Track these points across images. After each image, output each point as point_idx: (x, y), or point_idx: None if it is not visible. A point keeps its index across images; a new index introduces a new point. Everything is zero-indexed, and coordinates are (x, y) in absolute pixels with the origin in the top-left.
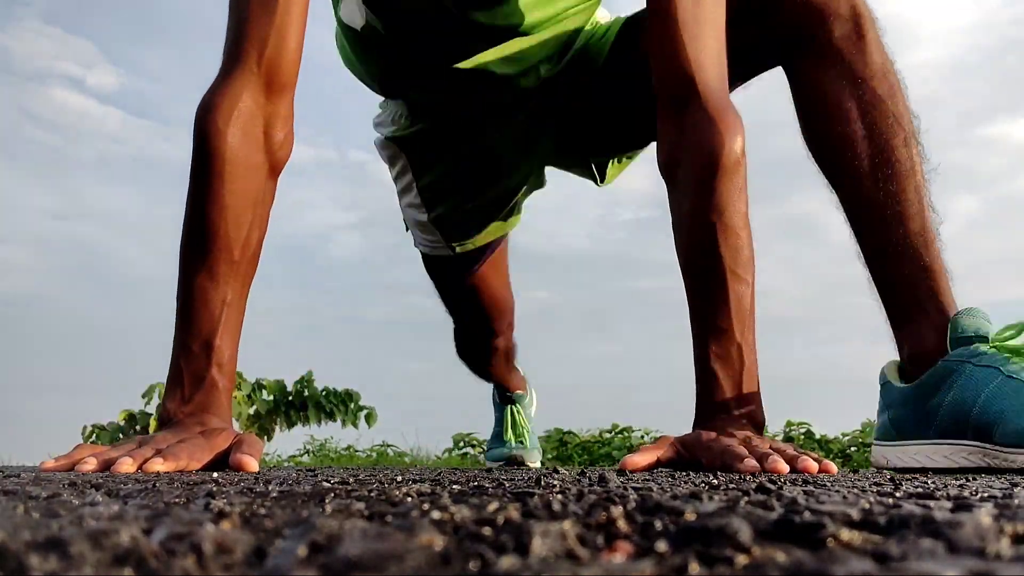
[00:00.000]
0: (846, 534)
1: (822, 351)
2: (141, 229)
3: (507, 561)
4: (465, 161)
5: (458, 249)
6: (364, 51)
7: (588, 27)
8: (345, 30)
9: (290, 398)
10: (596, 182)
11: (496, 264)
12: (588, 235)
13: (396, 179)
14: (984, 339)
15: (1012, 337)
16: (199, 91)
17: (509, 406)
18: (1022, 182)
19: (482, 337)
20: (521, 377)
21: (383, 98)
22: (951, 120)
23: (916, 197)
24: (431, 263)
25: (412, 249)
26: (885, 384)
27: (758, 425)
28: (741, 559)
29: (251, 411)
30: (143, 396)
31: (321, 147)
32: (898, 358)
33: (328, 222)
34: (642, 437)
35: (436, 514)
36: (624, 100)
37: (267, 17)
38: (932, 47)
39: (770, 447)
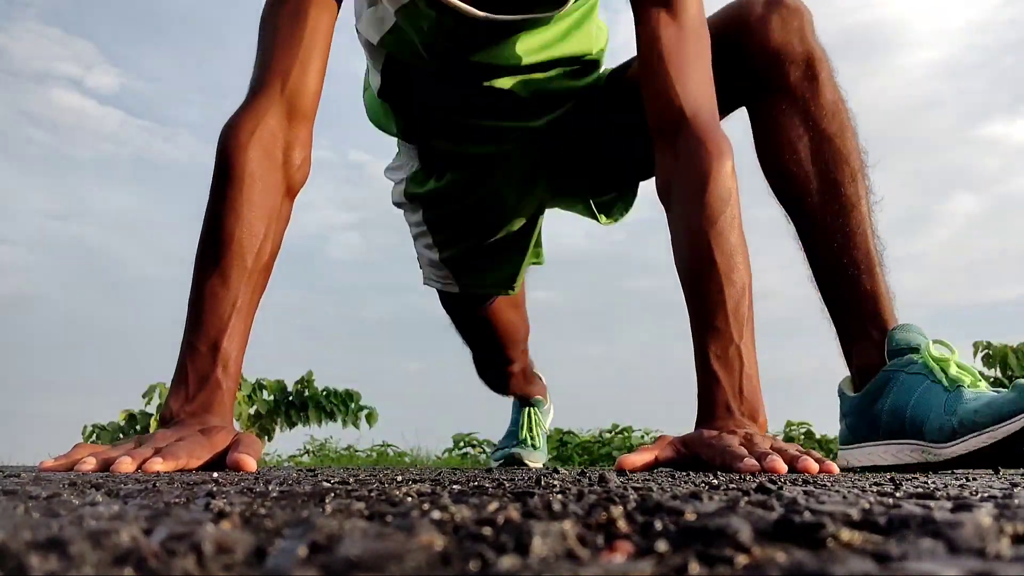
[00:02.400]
0: (846, 534)
1: (822, 351)
2: (141, 229)
3: (507, 561)
4: (474, 207)
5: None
6: (384, 107)
7: (590, 76)
8: (369, 88)
9: (290, 398)
10: (597, 220)
11: (511, 297)
12: (587, 235)
13: (411, 225)
14: (915, 350)
15: (944, 349)
16: (199, 91)
17: (527, 408)
18: (1020, 182)
19: (498, 365)
20: (542, 386)
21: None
22: (950, 120)
23: (860, 228)
24: (446, 298)
25: (412, 249)
26: (841, 395)
27: (759, 424)
28: (741, 559)
29: (251, 411)
30: (143, 396)
31: (320, 148)
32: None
33: (328, 222)
34: (642, 437)
35: (436, 514)
36: (620, 138)
37: (292, 51)
38: (931, 47)
39: (771, 446)
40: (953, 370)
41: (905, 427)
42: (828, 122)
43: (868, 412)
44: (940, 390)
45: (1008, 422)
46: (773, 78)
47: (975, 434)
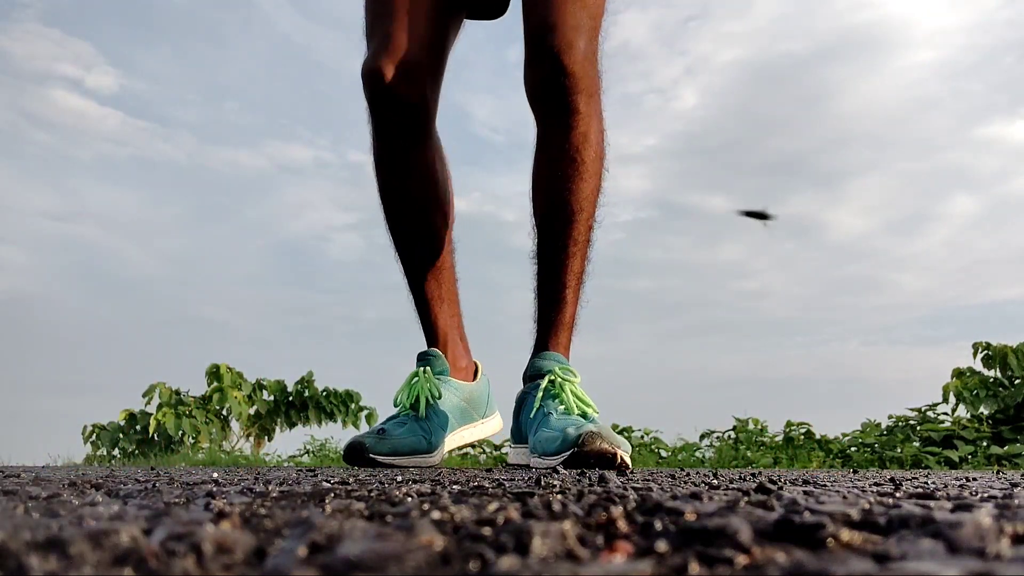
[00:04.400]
0: (846, 534)
1: (822, 351)
2: (141, 229)
3: (507, 561)
4: None
5: None
6: None
7: None
8: None
9: (290, 398)
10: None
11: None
12: None
13: None
14: (543, 376)
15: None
16: (198, 92)
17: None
18: (1019, 183)
19: (420, 239)
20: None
21: None
22: (948, 121)
23: (562, 264)
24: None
25: None
26: (517, 395)
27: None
28: (741, 559)
29: (251, 411)
30: (143, 396)
31: (320, 148)
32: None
33: (327, 223)
34: (642, 437)
35: (436, 514)
36: None
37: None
38: (929, 48)
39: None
40: (565, 395)
41: (524, 437)
42: (567, 165)
43: (516, 422)
44: (541, 415)
45: (553, 457)
46: (549, 124)
47: (536, 457)
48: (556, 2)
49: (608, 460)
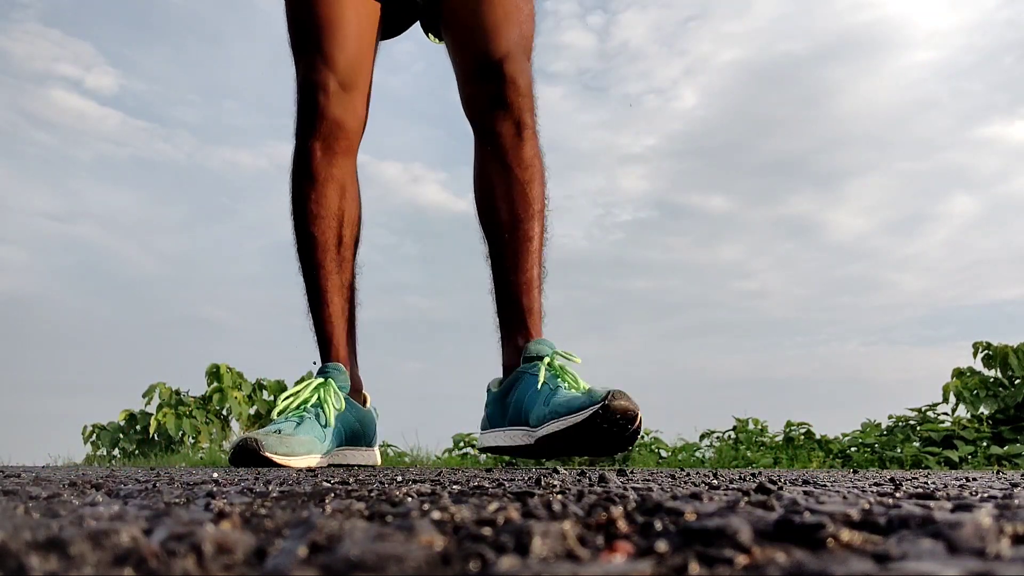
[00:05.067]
0: (846, 534)
1: (822, 351)
2: (141, 229)
3: (507, 561)
4: None
5: None
6: None
7: None
8: None
9: None
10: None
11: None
12: (586, 236)
13: None
14: (541, 359)
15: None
16: (198, 92)
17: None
18: (1019, 183)
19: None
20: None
21: None
22: (948, 121)
23: (531, 257)
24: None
25: (411, 249)
26: (488, 391)
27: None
28: (741, 559)
29: (251, 411)
30: (143, 396)
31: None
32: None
33: None
34: (642, 437)
35: (436, 514)
36: None
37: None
38: (928, 48)
39: None
40: (568, 376)
41: (520, 416)
42: (523, 171)
43: (502, 403)
44: (547, 389)
45: (578, 413)
46: (489, 128)
47: (555, 420)
48: (497, 25)
49: (631, 419)
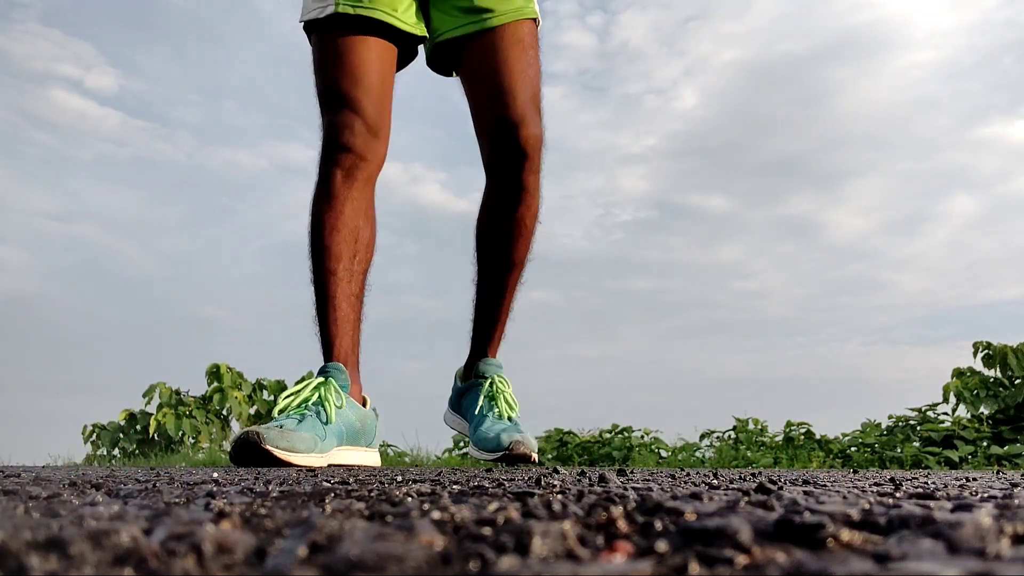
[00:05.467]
0: (846, 534)
1: (822, 351)
2: (140, 229)
3: (507, 561)
4: None
5: (341, 7)
6: None
7: None
8: None
9: None
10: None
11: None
12: (586, 236)
13: None
14: (486, 378)
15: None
16: (198, 92)
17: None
18: (1019, 183)
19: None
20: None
21: None
22: (947, 121)
23: (507, 297)
24: (322, 48)
25: (411, 249)
26: (455, 378)
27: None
28: (741, 559)
29: (251, 411)
30: (143, 396)
31: (319, 149)
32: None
33: None
34: (642, 437)
35: (436, 514)
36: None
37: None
38: (929, 48)
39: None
40: (500, 400)
41: (465, 416)
42: (517, 229)
43: (459, 400)
44: (481, 414)
45: (492, 453)
46: (511, 198)
47: (476, 450)
48: (514, 91)
49: (527, 458)
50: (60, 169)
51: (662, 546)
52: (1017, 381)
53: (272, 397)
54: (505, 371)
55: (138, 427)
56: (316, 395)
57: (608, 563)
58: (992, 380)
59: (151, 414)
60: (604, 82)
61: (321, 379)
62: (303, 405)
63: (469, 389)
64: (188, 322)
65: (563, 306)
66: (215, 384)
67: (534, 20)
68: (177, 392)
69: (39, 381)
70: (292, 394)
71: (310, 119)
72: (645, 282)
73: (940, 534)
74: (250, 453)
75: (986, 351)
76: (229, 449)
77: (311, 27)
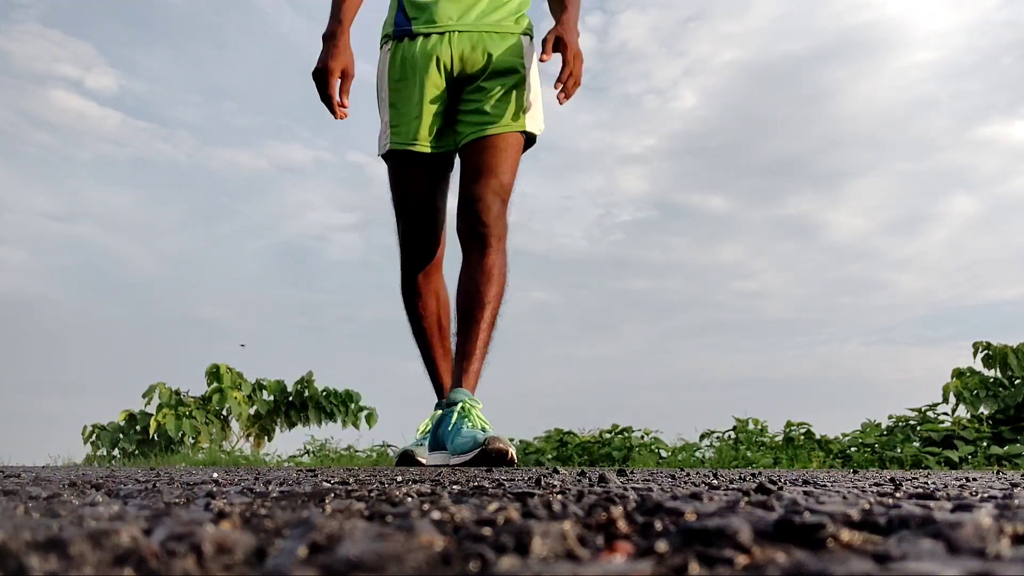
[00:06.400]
0: (846, 534)
1: (822, 351)
2: (140, 230)
3: (507, 561)
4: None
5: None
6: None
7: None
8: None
9: (290, 398)
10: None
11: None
12: (586, 236)
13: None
14: (456, 403)
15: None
16: (198, 92)
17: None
18: (1018, 183)
19: (425, 248)
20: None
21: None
22: (947, 121)
23: (483, 334)
24: (395, 169)
25: None
26: (429, 420)
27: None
28: (741, 559)
29: (251, 411)
30: (143, 396)
31: (319, 149)
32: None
33: (326, 223)
34: (642, 437)
35: (436, 514)
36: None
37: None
38: (928, 48)
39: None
40: (472, 415)
41: (440, 443)
42: (482, 275)
43: (434, 434)
44: (456, 429)
45: (469, 454)
46: (473, 251)
47: (456, 456)
48: (481, 178)
49: (503, 455)
50: (60, 169)
51: (662, 546)
52: (1017, 381)
53: (272, 397)
54: (504, 371)
55: (138, 427)
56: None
57: (608, 563)
58: (992, 380)
59: (151, 414)
60: (604, 82)
61: (439, 413)
62: (428, 431)
63: (442, 418)
64: (188, 322)
65: (563, 306)
66: (215, 384)
67: (523, 133)
68: (177, 392)
69: (39, 381)
70: (426, 424)
71: (309, 119)
72: (645, 282)
73: (940, 534)
74: (408, 461)
75: (986, 351)
76: (395, 458)
77: (384, 156)
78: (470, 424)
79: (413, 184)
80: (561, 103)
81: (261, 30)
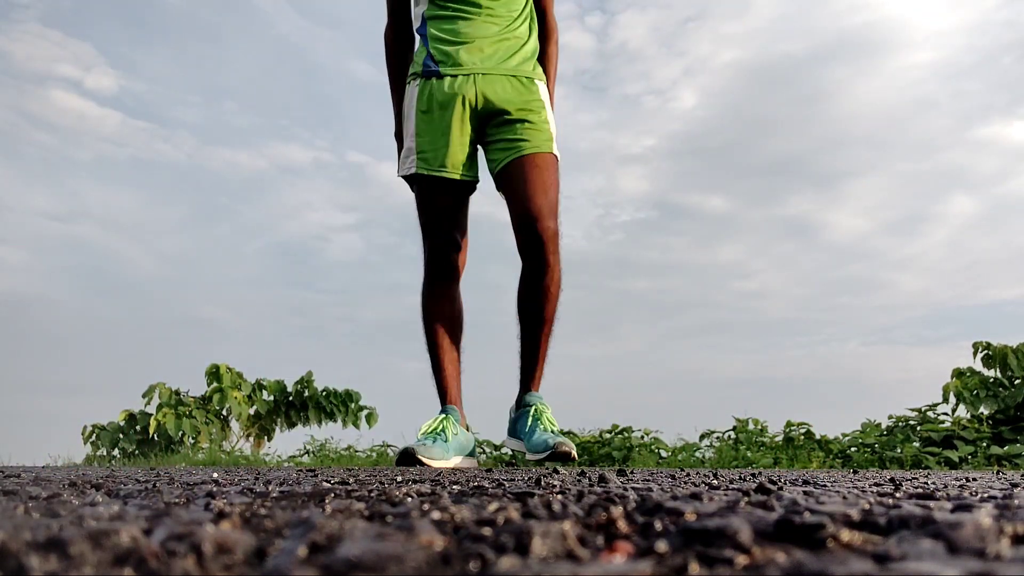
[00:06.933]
0: (846, 534)
1: (822, 351)
2: (141, 229)
3: (507, 561)
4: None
5: (420, 168)
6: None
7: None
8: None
9: (290, 398)
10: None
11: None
12: (586, 236)
13: (407, 136)
14: (531, 405)
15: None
16: (198, 93)
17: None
18: (1018, 183)
19: (447, 259)
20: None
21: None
22: (947, 121)
23: (543, 347)
24: (421, 191)
25: (410, 249)
26: (510, 413)
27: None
28: (741, 559)
29: (251, 411)
30: (143, 396)
31: (319, 149)
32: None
33: (326, 223)
34: (642, 437)
35: (436, 514)
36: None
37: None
38: (927, 48)
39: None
40: (543, 418)
41: (519, 435)
42: (543, 294)
43: (514, 426)
44: (531, 429)
45: (541, 454)
46: (532, 269)
47: (532, 454)
48: (533, 197)
49: (568, 455)
50: (60, 169)
51: (662, 546)
52: (1017, 381)
53: (272, 397)
54: (505, 371)
55: (138, 427)
56: (441, 426)
57: (608, 563)
58: (992, 380)
59: (151, 414)
60: (603, 82)
61: (444, 416)
62: (433, 431)
63: (519, 416)
64: (188, 322)
65: (563, 306)
66: (215, 384)
67: (553, 154)
68: (177, 392)
69: (39, 381)
70: (428, 425)
71: (309, 120)
72: (645, 282)
73: (940, 534)
74: (408, 459)
75: (986, 351)
76: (395, 457)
77: (406, 177)
78: (542, 427)
79: (440, 206)
80: None
81: (261, 30)
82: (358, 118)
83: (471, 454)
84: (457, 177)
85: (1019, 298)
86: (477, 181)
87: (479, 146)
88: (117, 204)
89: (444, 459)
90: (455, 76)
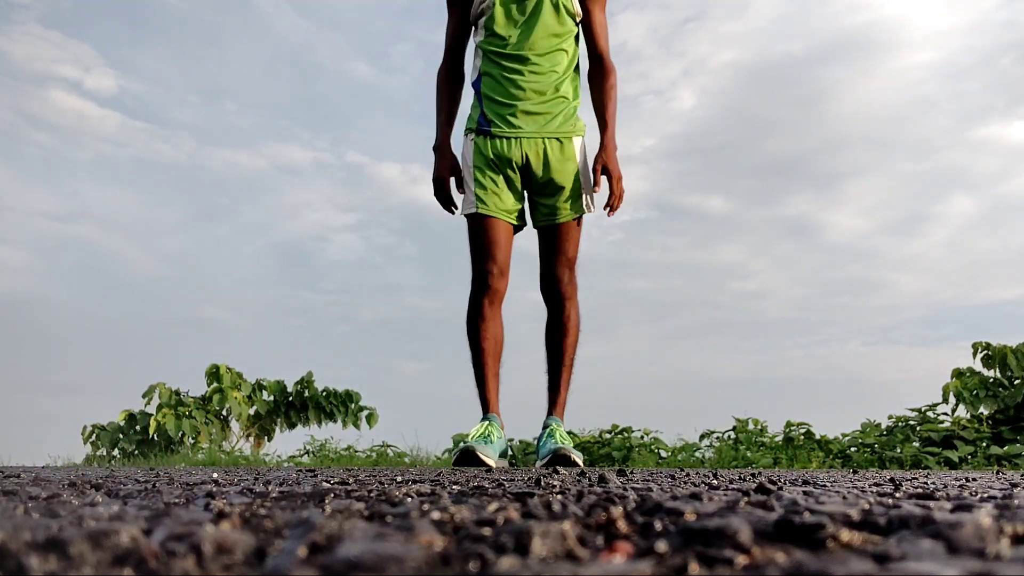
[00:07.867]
0: (846, 534)
1: (822, 351)
2: (140, 230)
3: (507, 561)
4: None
5: (479, 209)
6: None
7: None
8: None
9: (290, 399)
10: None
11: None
12: (585, 236)
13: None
14: (549, 427)
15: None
16: (197, 93)
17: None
18: (1017, 183)
19: (488, 281)
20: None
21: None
22: (946, 121)
23: (566, 373)
24: (474, 223)
25: (409, 250)
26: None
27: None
28: (741, 559)
29: (251, 411)
30: (143, 396)
31: (319, 150)
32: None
33: (326, 224)
34: (642, 437)
35: (436, 514)
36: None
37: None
38: (927, 49)
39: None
40: (557, 435)
41: (541, 453)
42: (564, 333)
43: (538, 448)
44: (546, 441)
45: (546, 459)
46: (557, 313)
47: (540, 460)
48: (556, 256)
49: (567, 458)
50: (60, 169)
51: (662, 546)
52: (1016, 381)
53: (272, 397)
54: (505, 370)
55: (138, 428)
56: (487, 431)
57: (608, 563)
58: (992, 380)
59: (151, 415)
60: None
61: (487, 422)
62: (482, 435)
63: (541, 436)
64: (188, 322)
65: None
66: (215, 384)
67: (581, 217)
68: (177, 392)
69: (39, 381)
70: (477, 430)
71: (308, 120)
72: (645, 282)
73: (940, 534)
74: (468, 457)
75: (985, 351)
76: (453, 457)
77: (467, 216)
78: (554, 440)
79: (490, 239)
80: (609, 216)
81: (261, 30)
82: (358, 118)
83: (503, 455)
84: (508, 220)
85: (1019, 298)
86: (524, 225)
87: (526, 193)
88: (117, 204)
89: (493, 459)
90: (504, 138)
